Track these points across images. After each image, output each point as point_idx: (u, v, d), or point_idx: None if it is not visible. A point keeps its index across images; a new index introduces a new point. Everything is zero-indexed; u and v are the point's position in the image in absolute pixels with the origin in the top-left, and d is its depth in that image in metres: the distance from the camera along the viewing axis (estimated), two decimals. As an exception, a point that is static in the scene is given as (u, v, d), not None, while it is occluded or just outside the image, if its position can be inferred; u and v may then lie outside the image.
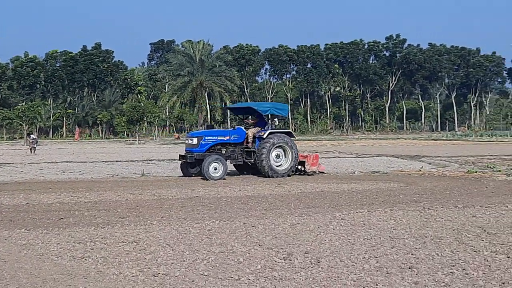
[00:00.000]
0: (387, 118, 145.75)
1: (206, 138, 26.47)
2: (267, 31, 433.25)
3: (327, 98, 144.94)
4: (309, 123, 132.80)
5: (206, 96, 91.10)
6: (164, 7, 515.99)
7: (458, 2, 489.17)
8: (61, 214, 14.36)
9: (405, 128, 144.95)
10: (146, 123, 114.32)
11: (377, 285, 7.90)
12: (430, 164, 34.05)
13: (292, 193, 19.28)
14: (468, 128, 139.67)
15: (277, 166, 26.43)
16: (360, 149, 53.60)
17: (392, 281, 8.06)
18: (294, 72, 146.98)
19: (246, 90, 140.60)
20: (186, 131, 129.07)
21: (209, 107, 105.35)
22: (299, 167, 27.41)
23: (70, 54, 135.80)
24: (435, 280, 8.07)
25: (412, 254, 9.58)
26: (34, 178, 25.98)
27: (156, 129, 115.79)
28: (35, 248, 10.38)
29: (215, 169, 25.12)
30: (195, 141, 26.36)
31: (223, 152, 26.62)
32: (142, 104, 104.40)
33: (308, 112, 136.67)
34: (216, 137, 26.76)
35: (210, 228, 12.08)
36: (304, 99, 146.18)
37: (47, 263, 9.28)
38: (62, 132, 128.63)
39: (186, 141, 27.69)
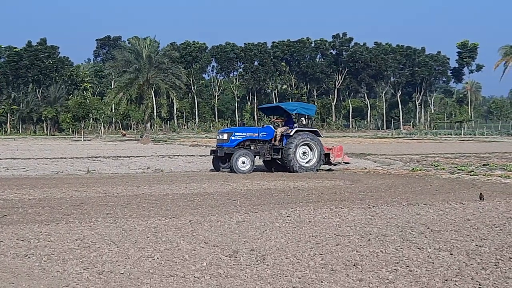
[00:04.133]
0: (333, 116, 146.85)
1: (235, 133, 28.23)
2: (214, 28, 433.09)
3: (274, 96, 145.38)
4: (256, 121, 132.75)
5: (153, 93, 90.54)
6: (111, 3, 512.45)
7: (404, 2, 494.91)
8: (4, 211, 14.14)
9: (351, 126, 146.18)
10: (91, 120, 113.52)
11: (322, 282, 7.92)
12: (375, 162, 34.36)
13: (238, 191, 19.28)
14: (413, 127, 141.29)
15: (304, 163, 27.73)
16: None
17: (337, 278, 8.09)
18: (241, 70, 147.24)
19: (192, 87, 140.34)
20: (132, 128, 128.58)
21: (155, 104, 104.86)
22: (324, 159, 28.49)
23: (14, 50, 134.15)
24: (379, 277, 8.13)
25: (356, 251, 9.63)
26: (-23, 175, 25.58)
27: (102, 126, 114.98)
28: (-23, 246, 10.21)
29: (243, 163, 26.80)
30: (225, 136, 28.10)
31: (252, 148, 28.04)
32: (88, 101, 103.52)
33: (255, 109, 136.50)
34: (245, 134, 28.40)
35: (156, 226, 12.01)
36: (251, 96, 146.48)
37: (-10, 261, 9.15)
38: (6, 129, 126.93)
39: (218, 137, 29.12)
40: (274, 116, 32.22)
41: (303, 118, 29.43)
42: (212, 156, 29.00)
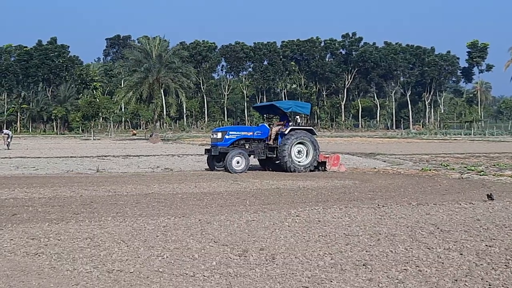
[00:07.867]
0: (343, 115, 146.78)
1: (230, 133, 28.05)
2: (224, 28, 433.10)
3: (283, 95, 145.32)
4: (265, 120, 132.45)
5: (162, 92, 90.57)
6: (120, 2, 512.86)
7: (414, 2, 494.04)
8: (14, 210, 14.16)
9: (360, 126, 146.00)
10: (101, 119, 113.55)
11: (331, 281, 7.92)
12: (384, 161, 34.30)
13: (248, 190, 19.27)
14: (422, 127, 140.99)
15: (299, 162, 27.47)
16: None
17: (347, 278, 8.08)
18: (250, 69, 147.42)
19: (202, 87, 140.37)
20: (141, 127, 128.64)
21: (165, 103, 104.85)
22: (320, 167, 28.03)
23: (25, 49, 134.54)
24: (389, 277, 8.11)
25: (366, 251, 9.62)
26: (-13, 174, 25.62)
27: (112, 125, 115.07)
28: (-13, 245, 10.23)
29: (238, 162, 26.50)
30: (219, 135, 27.88)
31: (247, 147, 27.82)
32: (98, 100, 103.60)
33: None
34: (240, 132, 28.22)
35: (165, 225, 12.02)
36: (260, 96, 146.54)
37: (0, 259, 9.14)
38: (16, 127, 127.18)
39: (212, 136, 29.07)
40: (267, 115, 32.37)
41: (297, 117, 29.41)
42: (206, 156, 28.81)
